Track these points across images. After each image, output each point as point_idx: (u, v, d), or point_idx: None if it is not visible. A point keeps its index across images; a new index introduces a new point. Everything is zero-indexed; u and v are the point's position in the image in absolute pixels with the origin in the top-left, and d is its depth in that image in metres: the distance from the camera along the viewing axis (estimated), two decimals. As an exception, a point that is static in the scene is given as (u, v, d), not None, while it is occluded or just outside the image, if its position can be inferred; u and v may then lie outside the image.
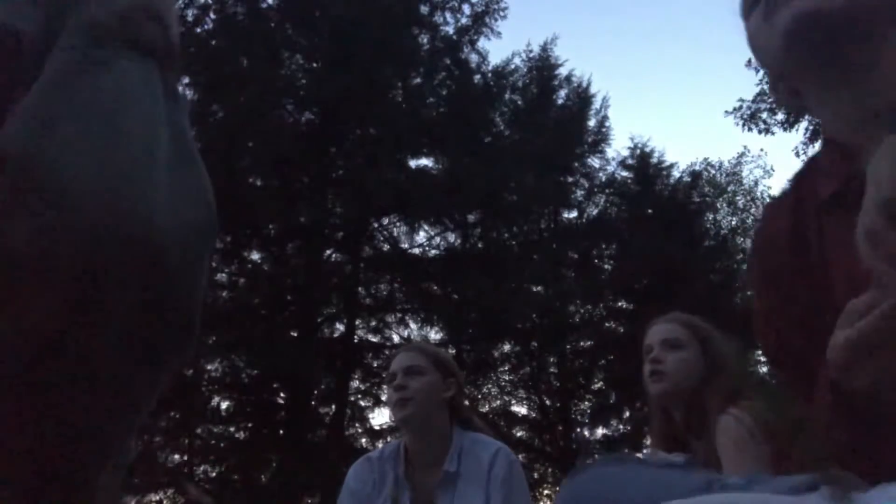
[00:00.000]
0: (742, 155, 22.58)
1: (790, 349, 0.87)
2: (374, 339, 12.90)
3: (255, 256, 12.44)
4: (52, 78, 0.51)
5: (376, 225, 12.80)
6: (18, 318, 0.48)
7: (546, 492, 14.23)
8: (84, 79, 0.53)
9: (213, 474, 11.73)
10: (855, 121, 0.83)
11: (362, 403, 12.71)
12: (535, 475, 13.65)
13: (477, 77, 13.81)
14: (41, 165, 0.49)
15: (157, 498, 10.76)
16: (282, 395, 11.89)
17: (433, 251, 13.24)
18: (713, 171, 19.83)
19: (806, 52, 0.81)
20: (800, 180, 0.91)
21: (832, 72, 0.82)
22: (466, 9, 13.34)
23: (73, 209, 0.49)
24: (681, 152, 51.67)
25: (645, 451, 13.01)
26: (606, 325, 14.71)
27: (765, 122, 13.32)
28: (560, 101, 15.39)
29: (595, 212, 15.44)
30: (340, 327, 12.45)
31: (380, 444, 8.90)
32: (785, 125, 13.04)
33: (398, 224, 12.94)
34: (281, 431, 11.58)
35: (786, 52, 0.82)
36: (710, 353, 1.86)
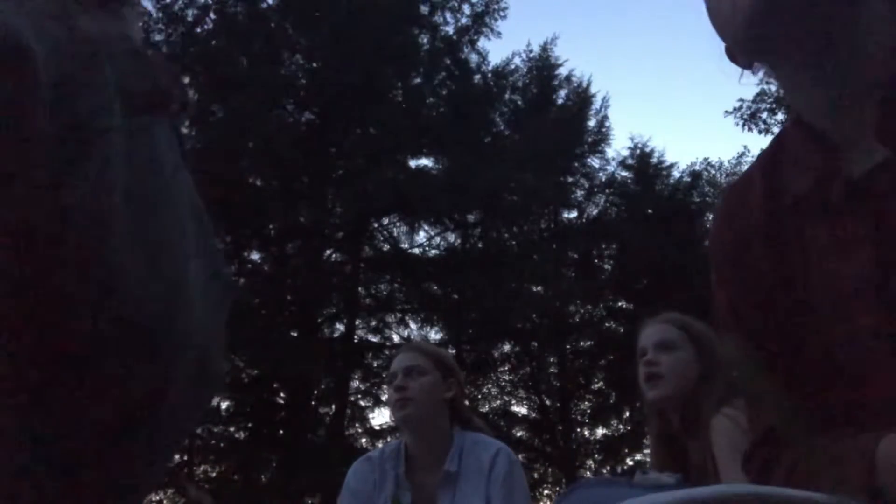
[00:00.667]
0: (742, 155, 22.39)
1: (763, 349, 0.83)
2: (374, 339, 12.91)
3: (255, 256, 12.45)
4: (103, 156, 0.51)
5: (376, 225, 12.80)
6: (85, 410, 0.50)
7: (546, 492, 14.25)
8: (128, 155, 0.55)
9: (213, 474, 11.74)
10: (829, 104, 0.77)
11: (362, 403, 12.72)
12: (535, 475, 13.66)
13: (477, 77, 13.81)
14: (103, 259, 0.50)
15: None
16: (282, 395, 11.90)
17: (433, 251, 13.26)
18: (713, 171, 19.79)
19: (773, 31, 0.74)
20: (770, 167, 0.85)
21: (802, 51, 0.75)
22: (466, 9, 13.37)
23: (132, 303, 0.51)
24: (681, 152, 51.56)
25: (645, 452, 13.01)
26: (606, 325, 14.73)
27: (765, 122, 13.31)
28: (560, 101, 15.39)
29: (595, 212, 15.45)
30: (340, 327, 12.46)
31: (380, 444, 8.90)
32: (785, 125, 13.02)
33: (398, 224, 12.95)
34: (281, 431, 11.59)
35: (751, 30, 0.75)
36: (704, 353, 1.84)
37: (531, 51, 15.35)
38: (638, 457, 13.95)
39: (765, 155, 0.88)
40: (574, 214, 15.39)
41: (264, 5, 12.46)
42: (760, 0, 0.72)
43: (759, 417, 0.85)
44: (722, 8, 0.78)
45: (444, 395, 2.02)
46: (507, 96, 14.59)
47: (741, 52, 0.83)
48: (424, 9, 13.18)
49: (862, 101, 0.73)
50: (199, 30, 12.12)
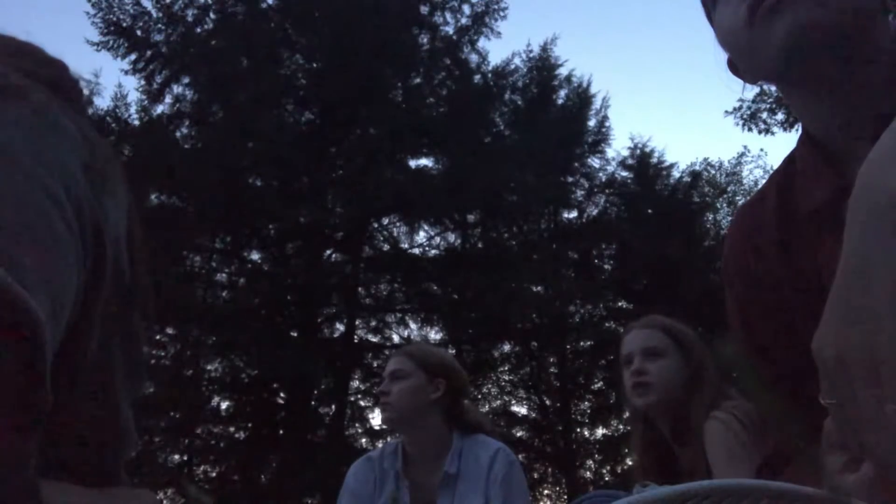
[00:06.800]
0: (742, 155, 22.63)
1: (774, 362, 0.84)
2: (374, 339, 12.90)
3: (255, 256, 12.44)
4: None
5: (376, 225, 12.80)
6: None
7: (546, 492, 14.24)
8: None
9: (213, 474, 11.73)
10: (839, 125, 0.79)
11: (362, 403, 12.72)
12: (535, 475, 13.65)
13: (477, 77, 13.80)
14: None
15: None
16: (282, 395, 11.89)
17: (433, 251, 13.25)
18: (713, 171, 19.84)
19: (803, 65, 0.76)
20: (783, 183, 0.87)
21: (822, 79, 0.78)
22: (466, 9, 13.35)
23: None
24: (681, 152, 51.72)
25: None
26: (606, 325, 14.70)
27: (765, 122, 13.34)
28: (560, 101, 15.37)
29: (595, 212, 15.43)
30: (340, 327, 12.45)
31: (380, 444, 8.88)
32: (785, 125, 13.04)
33: (398, 224, 12.94)
34: (281, 431, 11.58)
35: (783, 65, 0.77)
36: (692, 358, 1.83)
37: (531, 51, 15.34)
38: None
39: (778, 172, 0.89)
40: (574, 214, 15.38)
41: (264, 5, 12.45)
42: (795, 34, 0.73)
43: (766, 436, 0.85)
44: (743, 36, 0.78)
45: (431, 396, 2.03)
46: (507, 96, 14.57)
47: (759, 81, 0.85)
48: (424, 9, 13.17)
49: (868, 120, 0.75)
50: (199, 30, 12.12)
